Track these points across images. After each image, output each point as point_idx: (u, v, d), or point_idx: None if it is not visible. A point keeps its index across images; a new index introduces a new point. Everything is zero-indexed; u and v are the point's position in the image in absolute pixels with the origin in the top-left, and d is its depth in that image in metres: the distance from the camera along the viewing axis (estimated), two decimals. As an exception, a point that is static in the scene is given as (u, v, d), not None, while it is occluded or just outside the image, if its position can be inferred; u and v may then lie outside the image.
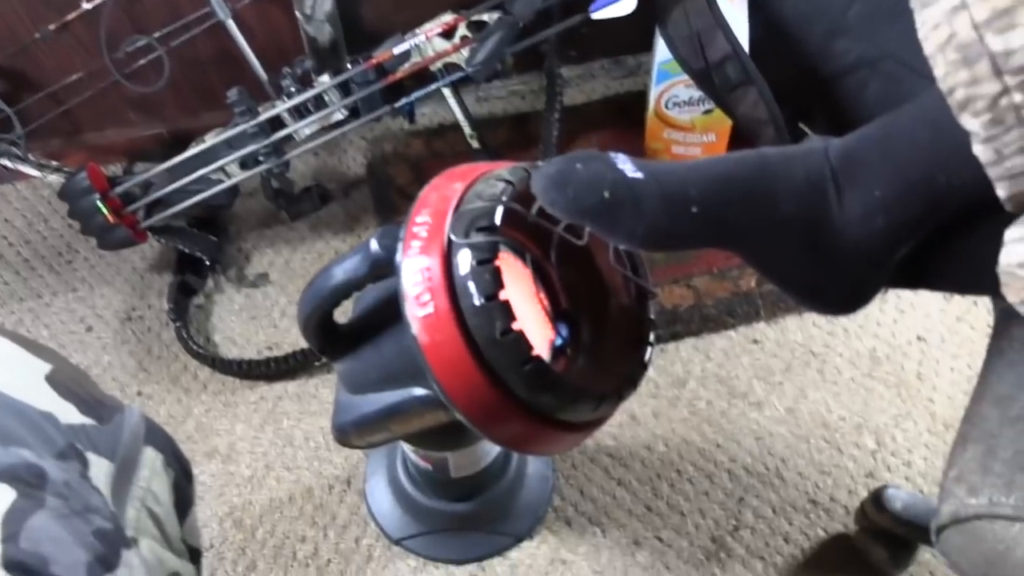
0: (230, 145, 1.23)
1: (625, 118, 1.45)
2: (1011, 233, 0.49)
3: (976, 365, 1.19)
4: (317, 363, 1.22)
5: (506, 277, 0.62)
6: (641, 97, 1.43)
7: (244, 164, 1.25)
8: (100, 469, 0.47)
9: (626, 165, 0.56)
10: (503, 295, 0.60)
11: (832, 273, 0.57)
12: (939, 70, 0.46)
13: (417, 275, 0.63)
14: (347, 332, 0.77)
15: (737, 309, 1.23)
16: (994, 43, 0.43)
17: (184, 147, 1.30)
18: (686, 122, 1.30)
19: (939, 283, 0.64)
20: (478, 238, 0.62)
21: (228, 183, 1.24)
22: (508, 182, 0.66)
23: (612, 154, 0.57)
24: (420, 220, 0.66)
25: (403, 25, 1.26)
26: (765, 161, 0.56)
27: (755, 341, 1.22)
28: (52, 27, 1.23)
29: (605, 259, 0.73)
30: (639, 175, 0.55)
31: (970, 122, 0.46)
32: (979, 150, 0.47)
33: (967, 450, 0.58)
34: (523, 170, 0.68)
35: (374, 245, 0.67)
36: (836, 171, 0.55)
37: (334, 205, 1.39)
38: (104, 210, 1.22)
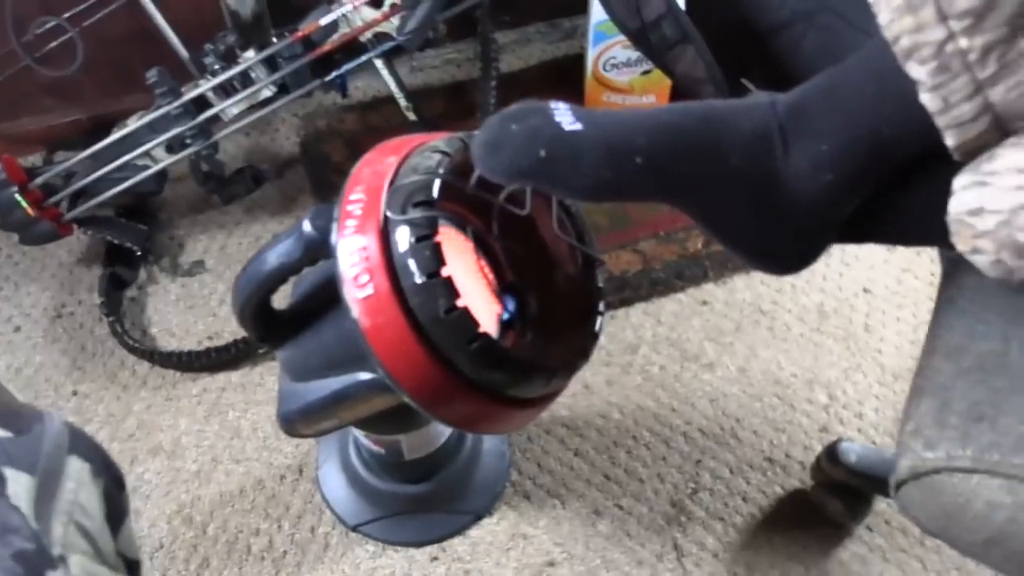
0: (154, 128, 1.18)
1: (563, 83, 1.43)
2: (959, 181, 0.48)
3: (922, 315, 1.21)
4: (260, 351, 1.18)
5: (448, 252, 0.60)
6: (579, 60, 1.40)
7: (171, 148, 1.20)
8: (19, 484, 0.43)
9: (564, 116, 0.53)
10: (445, 272, 0.58)
11: (779, 230, 0.56)
12: (883, 17, 0.44)
13: (354, 256, 0.60)
14: (286, 318, 0.74)
15: (685, 271, 1.22)
16: None
17: (106, 133, 1.24)
18: (625, 84, 1.28)
19: (886, 236, 0.63)
20: (416, 214, 0.59)
21: (155, 168, 1.19)
22: (444, 153, 0.63)
23: (552, 104, 0.55)
24: (354, 198, 0.63)
25: (330, -3, 1.22)
26: (712, 112, 0.55)
27: (704, 303, 1.21)
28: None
29: (549, 228, 0.71)
30: (578, 126, 0.53)
31: (916, 70, 0.45)
32: (926, 99, 0.45)
33: (921, 404, 0.58)
34: (459, 140, 0.65)
35: (307, 226, 0.64)
36: (783, 124, 0.53)
37: (268, 186, 1.35)
38: (24, 204, 1.16)
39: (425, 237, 0.59)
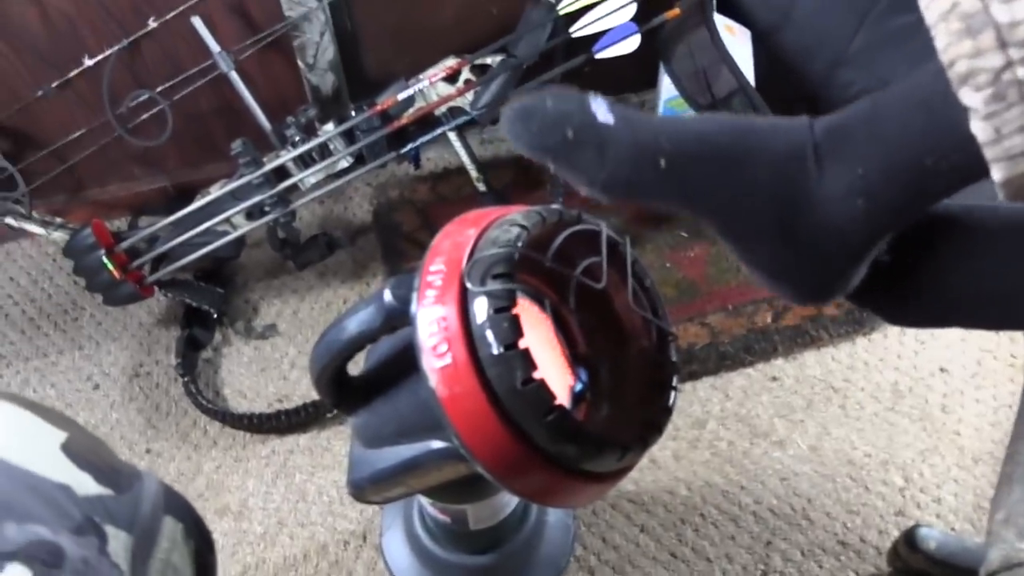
0: (235, 196, 1.22)
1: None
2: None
3: (1002, 397, 1.17)
4: (329, 415, 1.19)
5: (524, 324, 0.60)
6: (646, 134, 1.42)
7: (250, 215, 1.24)
8: (119, 542, 0.44)
9: (599, 108, 0.54)
10: (522, 343, 0.58)
11: (803, 254, 0.54)
12: (940, 40, 0.44)
13: (433, 325, 0.61)
14: (361, 385, 0.75)
15: (754, 346, 1.20)
16: (1000, 13, 0.41)
17: (188, 199, 1.30)
18: (694, 158, 1.29)
19: (966, 320, 0.62)
20: (495, 285, 0.60)
21: (234, 235, 1.23)
22: (522, 227, 0.64)
23: (591, 95, 0.55)
24: (434, 268, 0.64)
25: (405, 71, 1.26)
26: (748, 126, 0.54)
27: (774, 378, 1.19)
28: (54, 84, 1.23)
29: (624, 302, 0.71)
30: (610, 119, 0.53)
31: (970, 97, 0.43)
32: (977, 127, 0.44)
33: (1013, 491, 0.56)
34: (537, 214, 0.66)
35: (387, 296, 0.66)
36: (819, 145, 0.52)
37: (341, 253, 1.38)
38: (110, 266, 1.21)
39: (503, 309, 0.59)
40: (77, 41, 1.23)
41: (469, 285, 0.61)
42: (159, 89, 1.24)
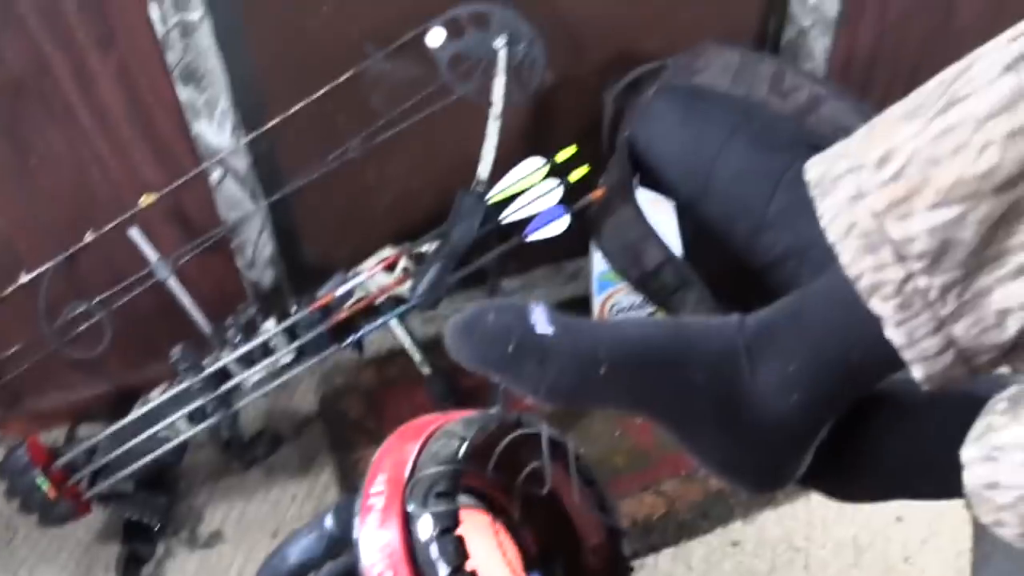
0: (177, 402, 1.20)
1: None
2: (968, 453, 0.49)
3: (961, 542, 1.16)
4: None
5: (470, 532, 0.59)
6: (585, 302, 1.45)
7: (192, 418, 1.22)
8: None
9: (539, 319, 0.55)
10: (469, 565, 0.57)
11: (748, 448, 0.56)
12: (844, 257, 0.47)
13: (376, 552, 0.60)
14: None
15: (711, 511, 1.19)
16: (894, 231, 0.44)
17: (130, 403, 1.27)
18: (632, 327, 1.32)
19: (907, 493, 0.63)
20: (437, 506, 0.59)
21: (177, 440, 1.20)
22: (462, 438, 0.64)
23: (531, 305, 0.57)
24: (375, 490, 0.63)
25: (345, 260, 1.29)
26: (681, 330, 0.56)
27: (735, 543, 1.18)
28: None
29: (572, 501, 0.71)
30: (549, 331, 0.55)
31: (880, 306, 0.46)
32: (892, 333, 0.46)
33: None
34: (476, 423, 0.67)
35: (329, 521, 0.65)
36: (749, 345, 0.55)
37: (287, 447, 1.35)
38: (44, 486, 1.17)
39: (447, 530, 0.59)
40: (13, 257, 1.23)
41: (411, 507, 0.60)
42: (97, 299, 1.24)
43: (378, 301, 1.25)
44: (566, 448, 0.71)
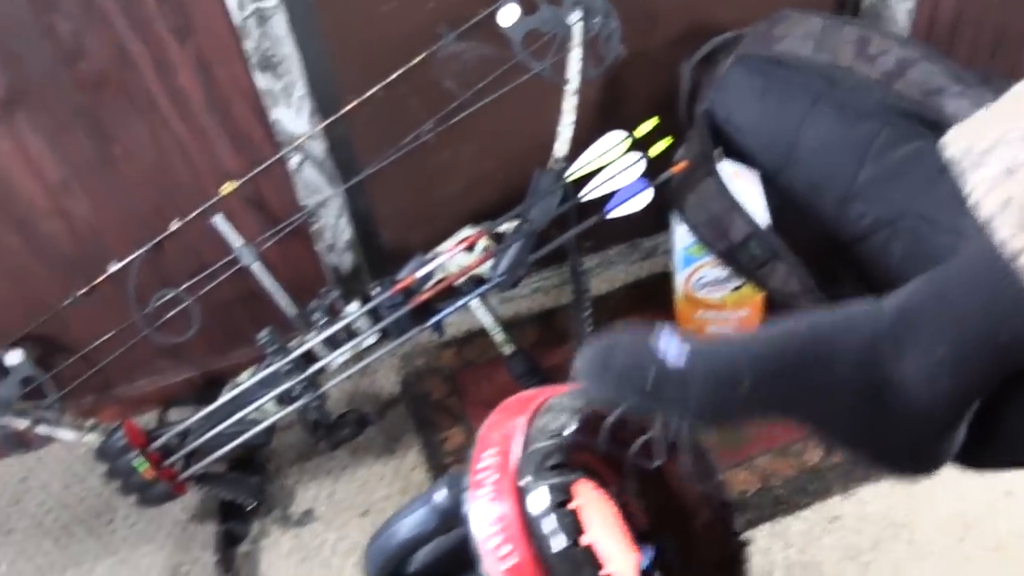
0: (264, 384, 1.22)
1: (652, 302, 1.45)
2: None
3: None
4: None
5: (584, 506, 0.58)
6: (664, 279, 1.43)
7: (280, 400, 1.24)
8: None
9: (670, 350, 0.55)
10: (586, 539, 0.56)
11: (901, 437, 0.55)
12: (1003, 231, 0.44)
13: (491, 525, 0.59)
14: (415, 585, 0.72)
15: (807, 486, 1.16)
16: None
17: (215, 387, 1.30)
18: (717, 300, 1.29)
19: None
20: (551, 478, 0.58)
21: (266, 423, 1.22)
22: (572, 412, 0.63)
23: (657, 336, 0.56)
24: (485, 464, 0.62)
25: (420, 243, 1.29)
26: (816, 329, 0.55)
27: (834, 518, 1.15)
28: (80, 293, 1.25)
29: (680, 474, 0.69)
30: (682, 361, 0.54)
31: None
32: None
33: None
34: (583, 395, 0.65)
35: (439, 497, 0.64)
36: (892, 332, 0.53)
37: (372, 428, 1.36)
38: (143, 467, 1.20)
39: (562, 503, 0.58)
40: (102, 247, 1.26)
41: (524, 480, 0.59)
42: (184, 286, 1.26)
43: (459, 282, 1.25)
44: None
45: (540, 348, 1.41)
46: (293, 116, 1.22)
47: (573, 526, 0.57)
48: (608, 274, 1.57)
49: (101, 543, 1.29)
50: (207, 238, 1.26)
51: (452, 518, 0.63)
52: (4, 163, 1.15)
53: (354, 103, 1.19)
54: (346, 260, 1.39)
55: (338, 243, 1.37)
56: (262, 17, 1.13)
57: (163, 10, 1.10)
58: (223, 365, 1.44)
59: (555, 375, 1.33)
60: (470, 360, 1.42)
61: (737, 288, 1.27)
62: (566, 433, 0.61)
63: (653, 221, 1.43)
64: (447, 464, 1.28)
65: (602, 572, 0.56)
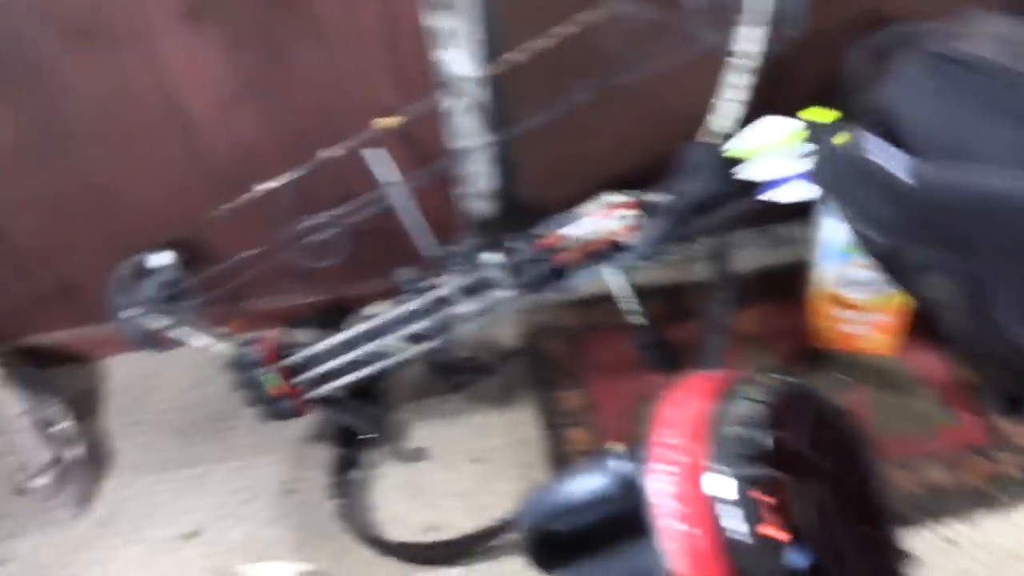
0: (398, 321, 1.24)
1: (782, 292, 1.42)
2: None
3: None
4: (478, 550, 1.17)
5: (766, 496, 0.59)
6: (794, 269, 1.41)
7: (411, 338, 1.26)
8: None
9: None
10: (777, 531, 0.57)
11: None
12: None
13: (672, 503, 0.60)
14: (566, 542, 0.74)
15: (925, 504, 1.14)
16: None
17: (338, 313, 1.33)
18: (862, 302, 1.26)
19: None
20: (742, 469, 0.59)
21: (396, 359, 1.24)
22: (763, 403, 0.63)
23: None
24: (667, 442, 0.63)
25: (558, 201, 1.28)
26: None
27: (949, 541, 1.13)
28: (228, 206, 1.28)
29: (853, 483, 0.69)
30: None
31: None
32: None
33: None
34: (773, 386, 0.65)
35: (615, 464, 0.65)
36: None
37: (489, 377, 1.38)
38: (271, 383, 1.24)
39: (752, 492, 0.58)
40: (254, 165, 1.29)
41: (713, 464, 0.60)
42: (329, 214, 1.28)
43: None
44: (852, 419, 0.69)
45: (661, 321, 1.41)
46: (458, 59, 1.22)
47: (755, 515, 0.58)
48: (736, 257, 1.55)
49: (220, 447, 1.35)
50: (356, 169, 1.27)
51: (625, 487, 0.64)
52: (182, 70, 1.18)
53: (519, 53, 1.18)
54: (486, 209, 1.39)
55: (479, 191, 1.37)
56: (449, -45, 1.13)
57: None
58: (349, 294, 1.47)
59: (680, 351, 1.33)
60: (593, 323, 1.43)
61: (885, 292, 1.24)
62: (757, 425, 0.61)
63: (789, 209, 1.40)
64: (562, 424, 1.30)
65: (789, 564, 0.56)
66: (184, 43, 1.15)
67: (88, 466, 1.34)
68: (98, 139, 1.25)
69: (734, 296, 1.30)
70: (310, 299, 1.51)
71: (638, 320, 1.32)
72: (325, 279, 1.48)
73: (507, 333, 1.46)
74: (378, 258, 1.41)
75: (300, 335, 1.46)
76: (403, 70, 1.24)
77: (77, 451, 1.32)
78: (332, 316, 1.46)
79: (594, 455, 0.68)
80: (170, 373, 1.46)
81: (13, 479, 1.34)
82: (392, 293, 1.31)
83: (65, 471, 1.29)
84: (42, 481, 1.27)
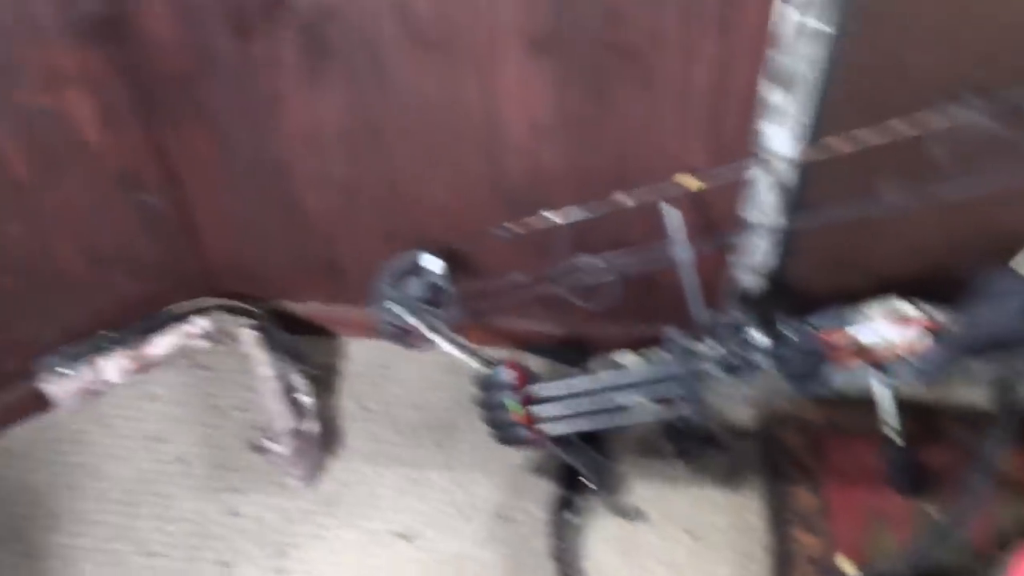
0: (650, 378, 1.23)
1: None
2: None
3: None
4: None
5: None
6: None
7: (659, 399, 1.24)
8: None
9: None
10: None
11: None
12: None
13: None
14: None
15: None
16: None
17: (575, 349, 1.33)
18: None
19: None
20: None
21: (639, 417, 1.23)
22: None
23: None
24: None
25: (831, 291, 1.23)
26: None
27: None
28: (509, 225, 1.30)
29: None
30: None
31: None
32: None
33: None
34: None
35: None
36: None
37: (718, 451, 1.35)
38: (512, 408, 1.25)
39: None
40: (543, 193, 1.30)
41: None
42: (609, 258, 1.28)
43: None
44: None
45: (913, 439, 1.33)
46: (779, 135, 1.20)
47: None
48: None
49: (443, 455, 1.38)
50: (641, 217, 1.27)
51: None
52: (510, 93, 1.21)
53: (847, 142, 1.14)
54: (755, 284, 1.36)
55: (756, 266, 1.34)
56: (803, 32, 1.10)
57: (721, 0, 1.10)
58: (592, 333, 1.47)
59: (930, 476, 1.26)
60: (838, 424, 1.37)
61: None
62: None
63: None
64: (789, 521, 1.25)
65: None
66: (519, 70, 1.18)
67: (321, 441, 1.40)
68: (407, 138, 1.29)
69: (1012, 434, 1.21)
70: (546, 329, 1.51)
71: (893, 436, 1.25)
72: (570, 314, 1.48)
73: (742, 410, 1.42)
74: (632, 305, 1.41)
75: (536, 362, 1.47)
76: (719, 134, 1.22)
77: (314, 424, 1.38)
78: (569, 351, 1.47)
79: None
80: (405, 369, 1.51)
81: (251, 435, 1.42)
82: (636, 342, 1.31)
83: (302, 442, 1.35)
84: (280, 447, 1.34)
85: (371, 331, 1.53)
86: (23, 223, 1.35)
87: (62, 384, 1.48)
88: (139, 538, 1.31)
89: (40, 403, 1.50)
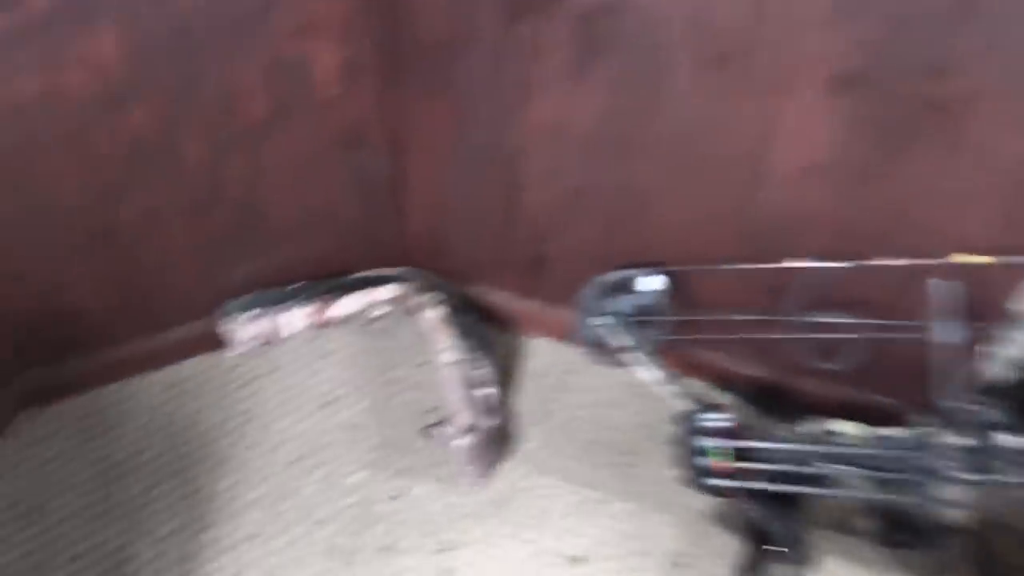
0: (877, 458, 1.13)
1: None
2: None
3: None
4: None
5: None
6: None
7: (879, 481, 1.14)
8: None
9: None
10: None
11: None
12: None
13: None
14: None
15: None
16: None
17: (779, 399, 1.24)
18: None
19: None
20: None
21: (852, 494, 1.13)
22: None
23: None
24: None
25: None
26: None
27: None
28: (746, 266, 1.22)
29: None
30: None
31: None
32: None
33: None
34: None
35: None
36: None
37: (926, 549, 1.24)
38: (713, 458, 1.17)
39: None
40: (794, 238, 1.21)
41: None
42: (861, 322, 1.19)
43: None
44: None
45: None
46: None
47: None
48: None
49: (622, 481, 1.31)
50: (895, 280, 1.16)
51: None
52: (789, 127, 1.12)
53: None
54: (1006, 375, 1.24)
55: (1013, 358, 1.22)
56: None
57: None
58: (804, 388, 1.36)
59: None
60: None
61: None
62: None
63: None
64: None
65: None
66: (810, 103, 1.08)
67: (499, 440, 1.34)
68: (659, 151, 1.22)
69: None
70: (756, 371, 1.41)
71: None
72: (783, 360, 1.37)
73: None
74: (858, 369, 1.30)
75: (748, 422, 1.37)
76: (1016, 216, 1.09)
77: (494, 422, 1.33)
78: (771, 400, 1.38)
79: None
80: (588, 380, 1.44)
81: (423, 418, 1.38)
82: (848, 407, 1.22)
83: (480, 438, 1.30)
84: (457, 440, 1.28)
85: (560, 334, 1.47)
86: (244, 162, 1.33)
87: (243, 329, 1.47)
88: (306, 504, 1.29)
89: (218, 343, 1.49)
